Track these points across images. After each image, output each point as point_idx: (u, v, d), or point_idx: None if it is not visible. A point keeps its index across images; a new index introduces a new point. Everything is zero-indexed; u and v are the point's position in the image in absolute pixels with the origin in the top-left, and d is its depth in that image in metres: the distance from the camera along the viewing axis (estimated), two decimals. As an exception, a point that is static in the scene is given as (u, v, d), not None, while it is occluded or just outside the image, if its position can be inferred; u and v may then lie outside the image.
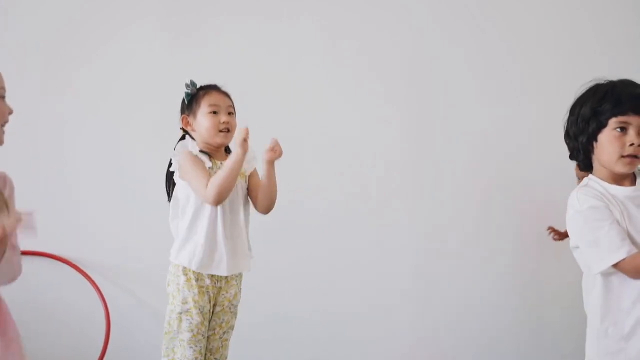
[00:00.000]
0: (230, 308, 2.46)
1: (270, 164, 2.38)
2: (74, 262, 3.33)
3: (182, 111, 2.49)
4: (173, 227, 2.43)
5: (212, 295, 2.39)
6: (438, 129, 3.60)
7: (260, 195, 2.43)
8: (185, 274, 2.36)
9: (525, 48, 3.65)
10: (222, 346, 2.47)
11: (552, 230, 3.33)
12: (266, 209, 2.45)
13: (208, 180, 2.29)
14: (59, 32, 3.42)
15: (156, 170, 3.22)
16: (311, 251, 3.47)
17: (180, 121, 2.47)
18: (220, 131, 2.40)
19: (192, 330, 2.34)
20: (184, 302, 2.35)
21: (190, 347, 2.34)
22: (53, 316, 3.33)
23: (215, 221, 2.34)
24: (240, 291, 2.50)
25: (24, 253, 3.24)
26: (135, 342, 3.38)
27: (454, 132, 3.61)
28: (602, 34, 3.68)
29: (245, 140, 2.26)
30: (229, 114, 2.43)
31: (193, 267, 2.34)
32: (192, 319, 2.35)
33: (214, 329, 2.45)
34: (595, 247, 1.76)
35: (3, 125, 1.82)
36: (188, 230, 2.37)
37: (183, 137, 2.48)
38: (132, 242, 3.38)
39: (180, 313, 2.35)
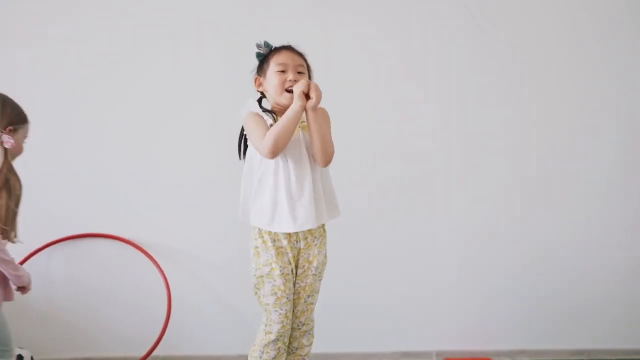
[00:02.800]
0: (311, 270, 2.38)
1: (311, 110, 2.24)
2: (137, 244, 3.56)
3: (257, 72, 2.42)
4: (243, 188, 2.40)
5: (291, 256, 2.33)
6: (476, 122, 3.79)
7: (312, 147, 2.31)
8: (262, 237, 2.33)
9: (527, 48, 3.82)
10: (307, 310, 2.40)
11: None
12: (321, 160, 2.30)
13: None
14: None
15: (213, 155, 3.52)
16: (352, 244, 3.65)
17: (254, 82, 2.41)
18: (287, 90, 2.29)
19: (275, 294, 2.29)
20: (265, 264, 2.31)
21: (276, 311, 2.29)
22: (118, 294, 3.56)
23: (279, 178, 2.28)
24: (322, 254, 2.42)
25: (93, 235, 3.53)
26: (194, 320, 3.59)
27: (488, 126, 3.80)
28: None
29: (303, 92, 2.20)
30: (299, 73, 2.33)
31: (262, 226, 2.30)
32: (275, 281, 2.29)
33: (299, 293, 2.38)
34: None
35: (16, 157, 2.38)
36: (256, 191, 2.33)
37: (260, 99, 2.43)
38: (192, 224, 3.60)
39: (262, 276, 2.32)
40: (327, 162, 2.31)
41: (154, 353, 3.47)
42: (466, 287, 3.76)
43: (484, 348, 3.74)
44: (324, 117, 2.34)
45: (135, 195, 3.59)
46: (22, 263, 3.34)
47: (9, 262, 2.34)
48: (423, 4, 3.77)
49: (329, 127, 2.38)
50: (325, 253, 2.45)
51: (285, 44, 2.38)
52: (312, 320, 2.44)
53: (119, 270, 3.57)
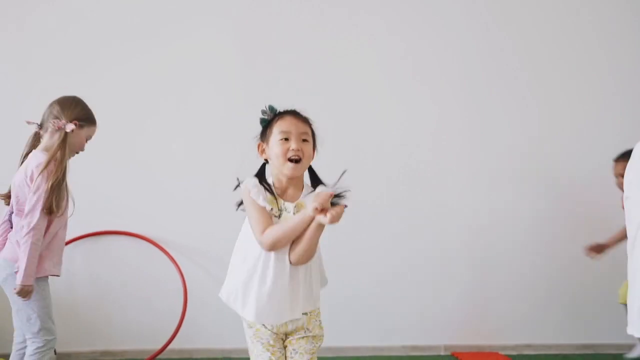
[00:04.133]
0: (299, 339, 2.20)
1: (317, 224, 2.03)
2: (155, 241, 3.71)
3: (260, 138, 2.26)
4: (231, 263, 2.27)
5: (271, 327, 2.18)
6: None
7: (295, 246, 2.11)
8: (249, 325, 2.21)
9: (530, 48, 3.94)
10: None
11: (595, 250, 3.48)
12: (293, 260, 2.11)
13: (266, 225, 2.08)
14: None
15: (229, 154, 3.63)
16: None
17: (257, 149, 2.24)
18: (290, 160, 2.12)
19: (268, 350, 2.16)
20: (250, 325, 2.20)
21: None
22: (136, 289, 3.70)
23: (257, 265, 2.13)
24: (311, 322, 2.21)
25: (112, 233, 3.65)
26: (209, 315, 3.71)
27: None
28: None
29: (317, 209, 1.98)
30: (303, 141, 2.15)
31: (236, 309, 2.20)
32: (262, 339, 2.17)
33: (292, 349, 2.21)
34: None
35: (77, 153, 2.70)
36: (237, 267, 2.22)
37: (264, 165, 2.25)
38: (208, 223, 3.73)
39: (251, 337, 2.20)
40: (296, 264, 2.12)
41: (170, 346, 3.60)
42: (473, 283, 3.86)
43: (491, 342, 3.84)
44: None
45: (154, 194, 3.73)
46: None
47: (28, 259, 2.46)
48: (427, 4, 3.90)
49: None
50: (319, 328, 2.24)
51: (290, 108, 2.23)
52: None
53: (137, 266, 3.71)
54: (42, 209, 2.48)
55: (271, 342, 2.17)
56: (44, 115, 2.63)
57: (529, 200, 3.89)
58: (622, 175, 3.25)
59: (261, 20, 3.78)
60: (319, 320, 2.25)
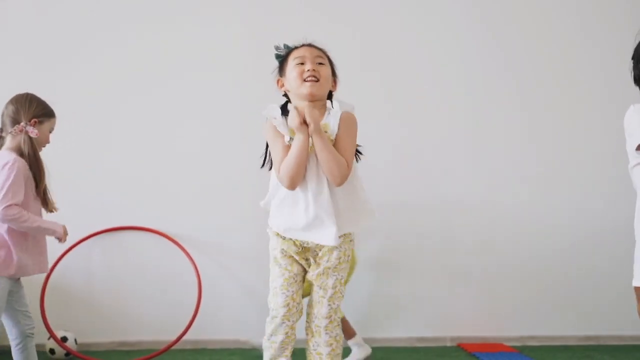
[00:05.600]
0: (323, 264, 2.24)
1: (314, 135, 2.11)
2: (171, 236, 3.82)
3: (278, 74, 2.31)
4: (271, 187, 2.30)
5: (301, 249, 2.23)
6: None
7: (322, 169, 2.16)
8: (276, 233, 2.28)
9: (532, 48, 4.06)
10: (319, 303, 2.26)
11: None
12: (332, 182, 2.16)
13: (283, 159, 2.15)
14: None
15: (240, 151, 3.74)
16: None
17: (276, 84, 2.30)
18: (305, 80, 2.16)
19: (282, 275, 2.22)
20: (274, 247, 2.26)
21: (283, 293, 2.23)
22: (152, 282, 3.83)
23: (297, 193, 2.19)
24: (338, 253, 2.25)
25: (129, 228, 3.77)
26: (223, 307, 3.85)
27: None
28: None
29: (301, 123, 2.09)
30: (319, 64, 2.20)
31: (279, 231, 2.26)
32: (281, 262, 2.23)
33: (312, 282, 2.28)
34: None
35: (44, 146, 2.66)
36: (279, 199, 2.26)
37: (285, 104, 2.28)
38: (221, 217, 3.87)
39: (273, 259, 2.26)
40: (337, 183, 2.15)
41: (185, 337, 3.69)
42: (479, 276, 3.95)
43: (496, 334, 3.93)
44: (349, 127, 2.21)
45: (167, 190, 3.86)
46: (64, 255, 3.63)
47: (35, 228, 2.50)
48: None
49: (353, 136, 2.23)
50: (344, 254, 2.27)
51: (305, 42, 2.28)
52: (326, 318, 2.25)
53: (152, 260, 3.84)
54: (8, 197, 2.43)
55: (289, 268, 2.24)
56: (2, 117, 2.59)
57: (529, 195, 3.98)
58: None
59: (274, 9, 3.90)
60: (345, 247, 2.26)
